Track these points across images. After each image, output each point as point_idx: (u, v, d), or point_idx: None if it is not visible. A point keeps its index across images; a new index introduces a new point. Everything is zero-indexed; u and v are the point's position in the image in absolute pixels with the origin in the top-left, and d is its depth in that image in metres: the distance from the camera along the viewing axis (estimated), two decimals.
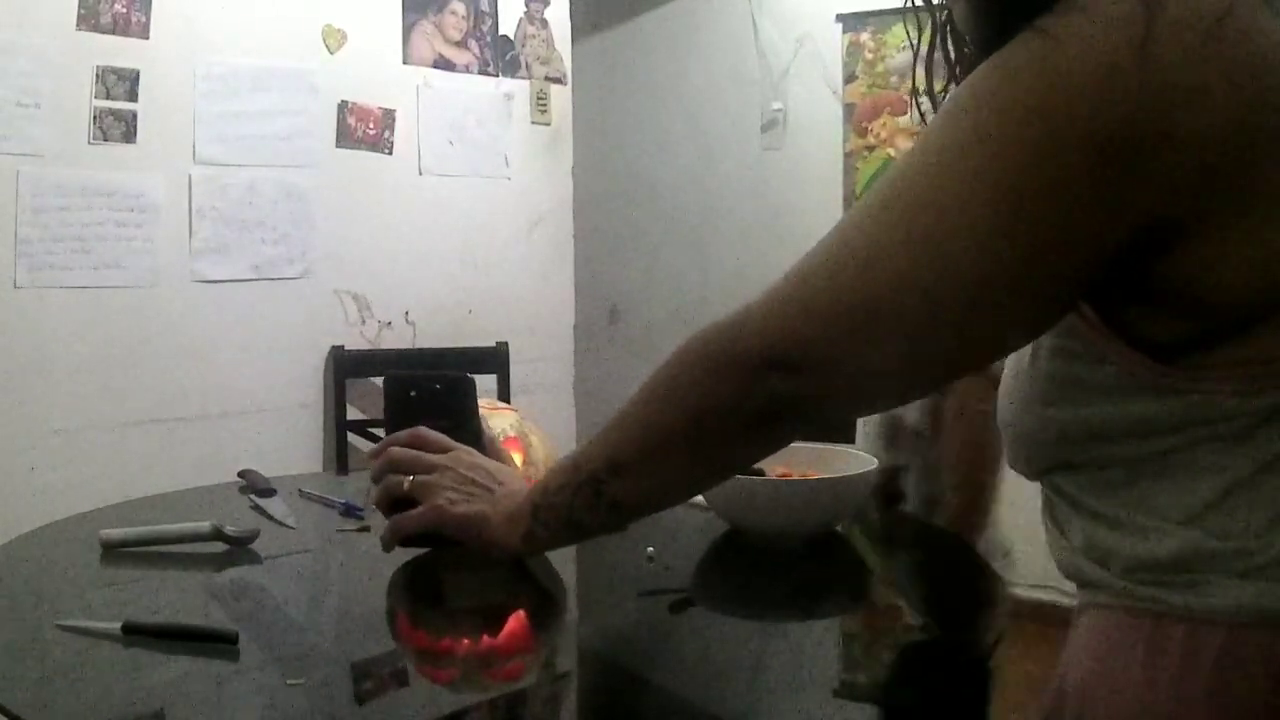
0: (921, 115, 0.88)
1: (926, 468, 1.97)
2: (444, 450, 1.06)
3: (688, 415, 0.82)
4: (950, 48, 0.85)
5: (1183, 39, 0.64)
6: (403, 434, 1.07)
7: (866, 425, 1.97)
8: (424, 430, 1.07)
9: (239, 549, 1.62)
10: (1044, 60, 0.66)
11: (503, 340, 3.26)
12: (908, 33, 0.89)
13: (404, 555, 1.60)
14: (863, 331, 0.72)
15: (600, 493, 0.89)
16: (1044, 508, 0.85)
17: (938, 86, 0.88)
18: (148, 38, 2.68)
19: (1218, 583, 0.71)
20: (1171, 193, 0.65)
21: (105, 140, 2.63)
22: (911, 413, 2.01)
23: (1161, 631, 0.74)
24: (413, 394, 1.12)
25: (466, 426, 1.09)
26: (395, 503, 1.04)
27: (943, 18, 0.86)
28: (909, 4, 0.85)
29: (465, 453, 1.06)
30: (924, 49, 0.88)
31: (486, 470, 1.03)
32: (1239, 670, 0.71)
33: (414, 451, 1.05)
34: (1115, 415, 0.73)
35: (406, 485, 1.03)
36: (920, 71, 0.87)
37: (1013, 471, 0.87)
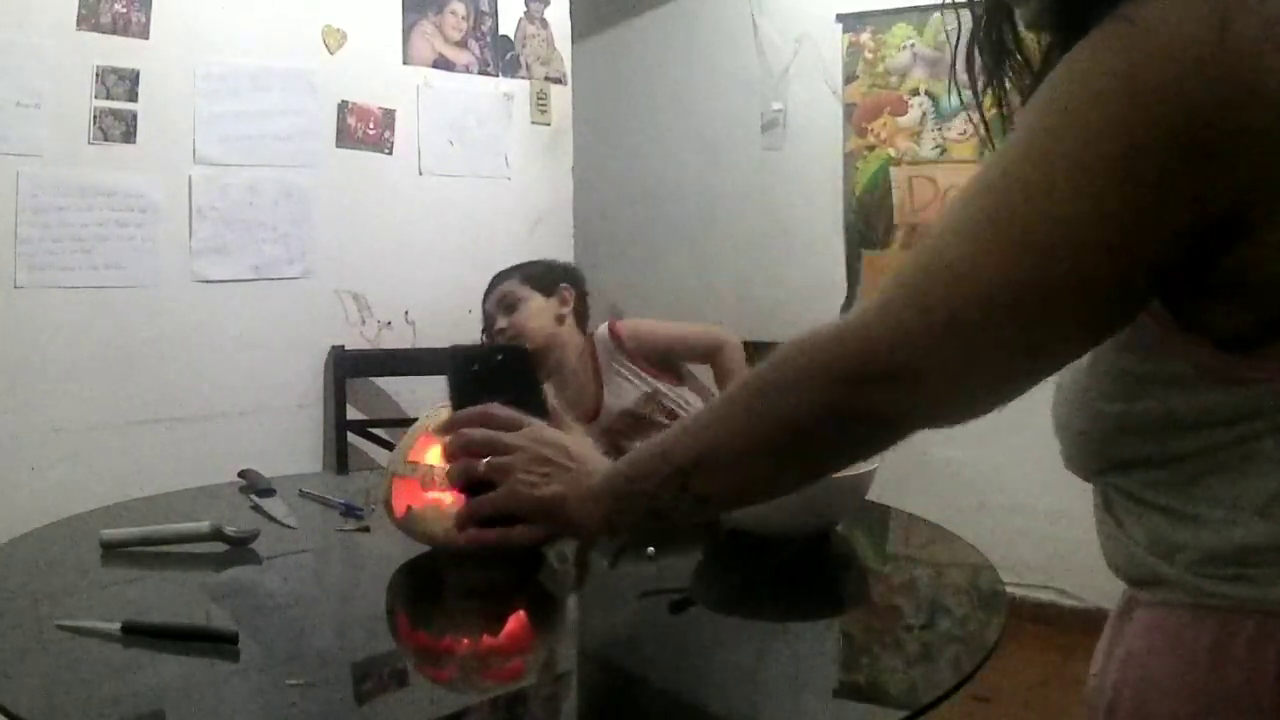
0: (978, 122, 0.90)
1: None
2: (516, 428, 1.01)
3: (783, 423, 0.81)
4: (992, 41, 0.87)
5: (1258, 32, 0.64)
6: (474, 412, 1.02)
7: None
8: (495, 408, 1.02)
9: (239, 549, 1.62)
10: (1131, 50, 0.66)
11: None
12: (945, 32, 0.89)
13: (404, 555, 1.60)
14: (959, 341, 0.72)
15: (687, 486, 0.87)
16: (1101, 507, 0.84)
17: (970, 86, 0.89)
18: (148, 38, 2.68)
19: None
20: (1247, 182, 0.66)
21: (105, 140, 2.63)
22: None
23: (1229, 626, 0.73)
24: (475, 368, 1.07)
25: (533, 399, 1.05)
26: (470, 485, 1.01)
27: (980, 13, 0.88)
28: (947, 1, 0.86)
29: (538, 429, 1.01)
30: (963, 45, 0.88)
31: (562, 447, 0.99)
32: None
33: (489, 431, 1.01)
34: (1182, 408, 0.73)
35: (483, 467, 0.99)
36: (961, 65, 0.88)
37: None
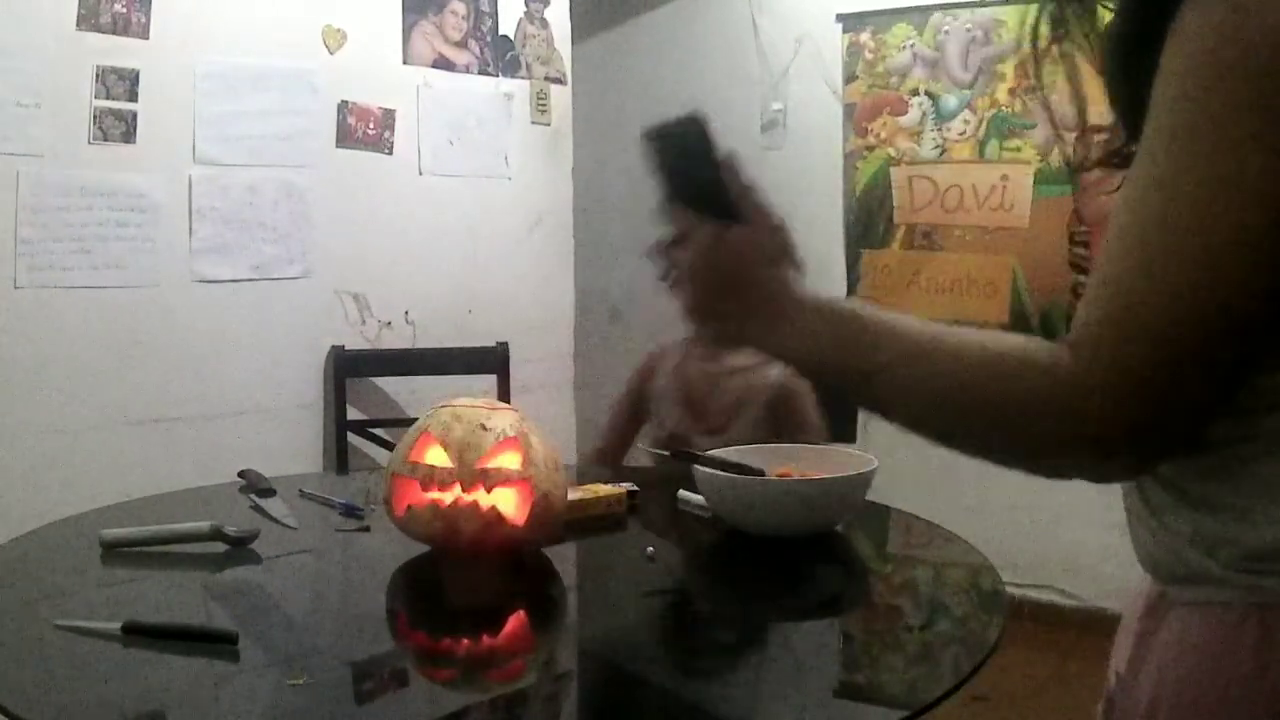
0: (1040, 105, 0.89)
1: None
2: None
3: (980, 428, 0.81)
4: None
5: None
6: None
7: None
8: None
9: (239, 549, 1.62)
10: (1236, 30, 0.65)
11: (503, 340, 3.26)
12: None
13: (404, 555, 1.60)
14: (1182, 380, 0.67)
15: (867, 391, 0.85)
16: (1136, 499, 0.82)
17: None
18: (148, 38, 2.68)
19: None
20: None
21: (105, 140, 2.63)
22: None
23: (1272, 623, 0.71)
24: (670, 142, 1.00)
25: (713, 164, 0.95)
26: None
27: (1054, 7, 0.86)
28: None
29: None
30: (1042, 43, 0.87)
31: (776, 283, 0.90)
32: None
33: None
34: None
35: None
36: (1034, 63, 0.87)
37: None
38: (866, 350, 0.83)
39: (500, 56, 3.40)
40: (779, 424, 1.99)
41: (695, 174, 0.94)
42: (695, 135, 0.97)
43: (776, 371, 1.91)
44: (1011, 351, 0.78)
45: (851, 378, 0.85)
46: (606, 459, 2.16)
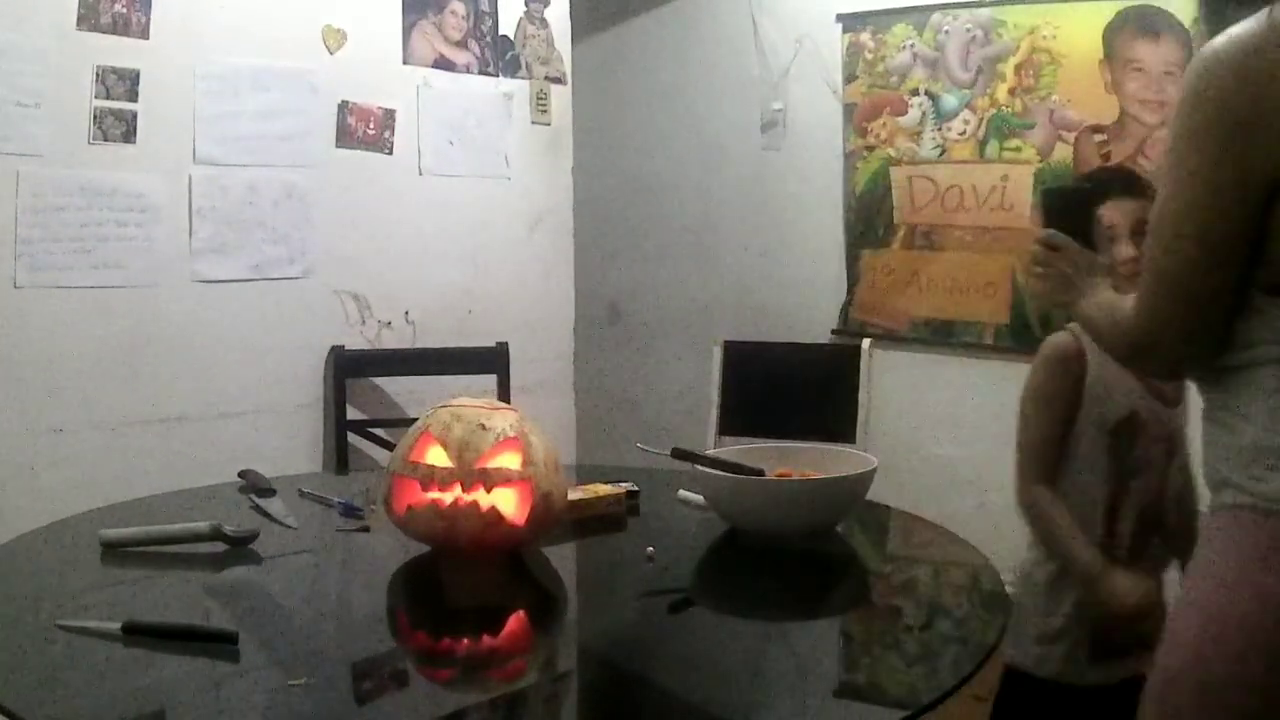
0: None
1: None
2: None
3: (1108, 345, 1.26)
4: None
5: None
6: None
7: None
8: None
9: (239, 549, 1.62)
10: (1189, 106, 1.05)
11: (503, 340, 3.26)
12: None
13: (404, 555, 1.60)
14: (1174, 314, 1.08)
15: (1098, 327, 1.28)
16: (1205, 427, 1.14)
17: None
18: (148, 38, 2.68)
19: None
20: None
21: (105, 140, 2.63)
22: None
23: (1274, 528, 0.98)
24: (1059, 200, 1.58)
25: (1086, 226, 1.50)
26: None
27: None
28: None
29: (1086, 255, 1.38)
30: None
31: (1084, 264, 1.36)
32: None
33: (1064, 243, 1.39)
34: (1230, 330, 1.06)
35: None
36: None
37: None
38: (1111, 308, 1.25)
39: (500, 56, 3.40)
40: None
41: (1071, 216, 1.47)
42: (1077, 194, 1.71)
43: None
44: (1123, 307, 1.19)
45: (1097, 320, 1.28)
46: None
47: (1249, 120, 1.00)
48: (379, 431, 3.06)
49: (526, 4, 3.46)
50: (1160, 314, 1.09)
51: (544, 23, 3.51)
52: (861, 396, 2.92)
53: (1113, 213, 1.69)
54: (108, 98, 2.62)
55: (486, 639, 1.38)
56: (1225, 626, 0.98)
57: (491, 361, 3.20)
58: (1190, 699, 0.99)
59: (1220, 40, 1.03)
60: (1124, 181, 1.76)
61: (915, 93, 3.49)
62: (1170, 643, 1.05)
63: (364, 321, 3.14)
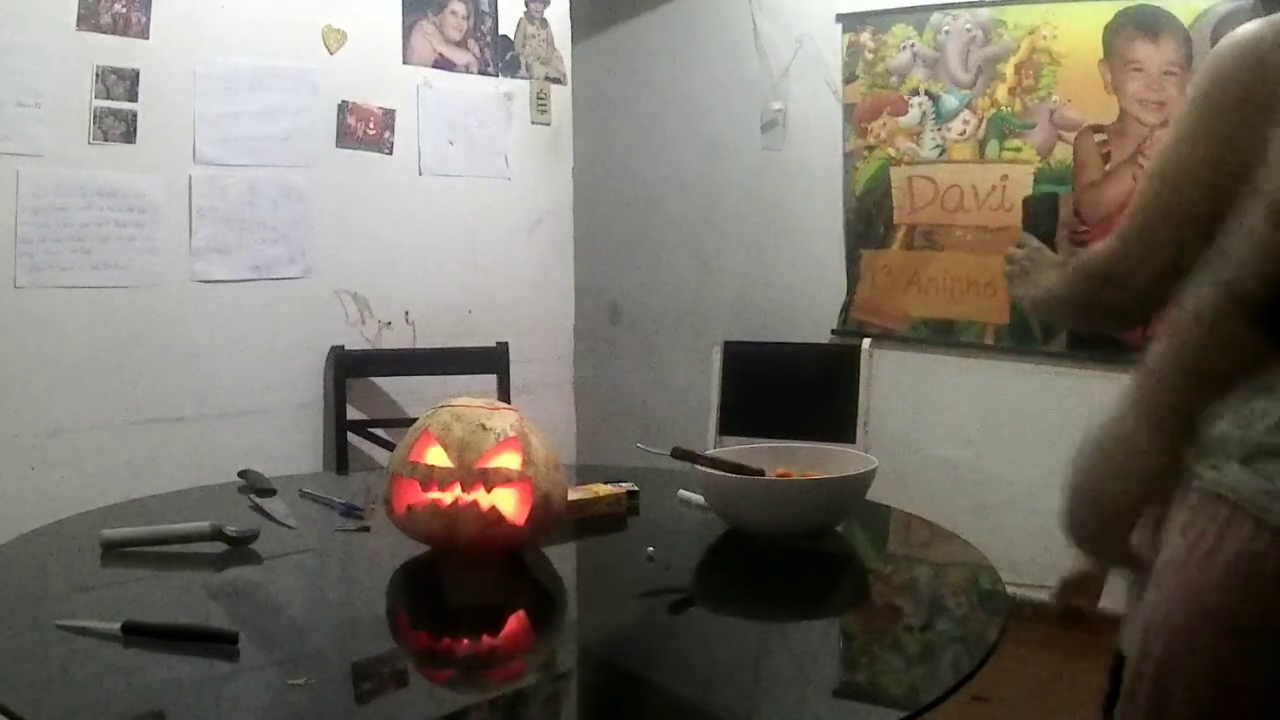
0: None
1: None
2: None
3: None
4: None
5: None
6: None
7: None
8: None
9: (239, 549, 1.62)
10: (1194, 88, 1.11)
11: (503, 340, 3.26)
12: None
13: (404, 555, 1.60)
14: (1144, 250, 1.15)
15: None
16: None
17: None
18: (148, 38, 2.68)
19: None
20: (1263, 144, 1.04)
21: (105, 140, 2.63)
22: None
23: (1229, 513, 1.02)
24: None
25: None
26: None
27: None
28: None
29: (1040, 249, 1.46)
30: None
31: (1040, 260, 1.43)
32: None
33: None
34: None
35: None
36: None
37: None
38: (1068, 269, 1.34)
39: (500, 56, 3.40)
40: None
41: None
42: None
43: None
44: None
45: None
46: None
47: (1240, 102, 1.06)
48: (379, 431, 3.06)
49: (526, 4, 3.46)
50: (1132, 243, 1.17)
51: (544, 23, 3.51)
52: (861, 396, 2.92)
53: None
54: (108, 98, 2.62)
55: (486, 639, 1.38)
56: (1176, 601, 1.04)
57: (491, 361, 3.20)
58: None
59: (1249, 26, 1.09)
60: None
61: (915, 93, 3.49)
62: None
63: (364, 321, 3.14)
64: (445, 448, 1.54)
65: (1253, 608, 0.98)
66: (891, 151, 3.56)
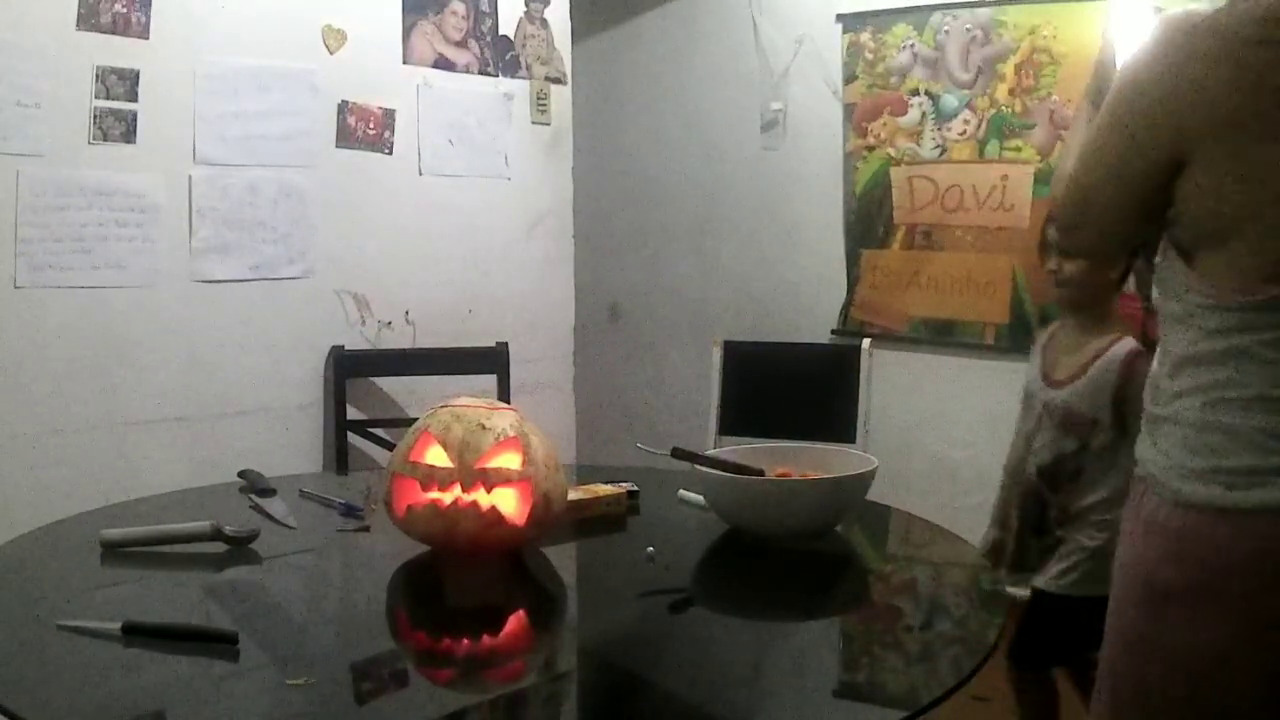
0: None
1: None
2: None
3: None
4: None
5: (1206, 52, 1.09)
6: None
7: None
8: None
9: (239, 549, 1.62)
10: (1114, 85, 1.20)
11: (503, 340, 3.26)
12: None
13: (404, 555, 1.60)
14: (1088, 209, 1.22)
15: None
16: None
17: None
18: (148, 38, 2.68)
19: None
20: (1183, 141, 1.10)
21: (105, 140, 2.63)
22: (1083, 402, 2.05)
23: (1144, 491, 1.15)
24: None
25: None
26: None
27: None
28: None
29: None
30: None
31: None
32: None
33: None
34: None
35: None
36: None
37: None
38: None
39: (500, 56, 3.40)
40: (1125, 388, 1.99)
41: None
42: None
43: (1129, 345, 2.04)
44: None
45: None
46: None
47: (1168, 94, 1.10)
48: (379, 431, 3.06)
49: (526, 4, 3.46)
50: (1080, 200, 1.23)
51: (544, 23, 3.51)
52: (861, 396, 2.92)
53: (1050, 230, 2.05)
54: (108, 98, 2.62)
55: (486, 639, 1.38)
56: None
57: (491, 361, 3.20)
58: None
59: (1183, 12, 1.13)
60: None
61: (915, 93, 3.49)
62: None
63: (364, 321, 3.14)
64: (445, 447, 1.54)
65: (1155, 573, 1.09)
66: (891, 151, 3.56)
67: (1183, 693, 1.07)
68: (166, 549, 1.61)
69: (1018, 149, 3.30)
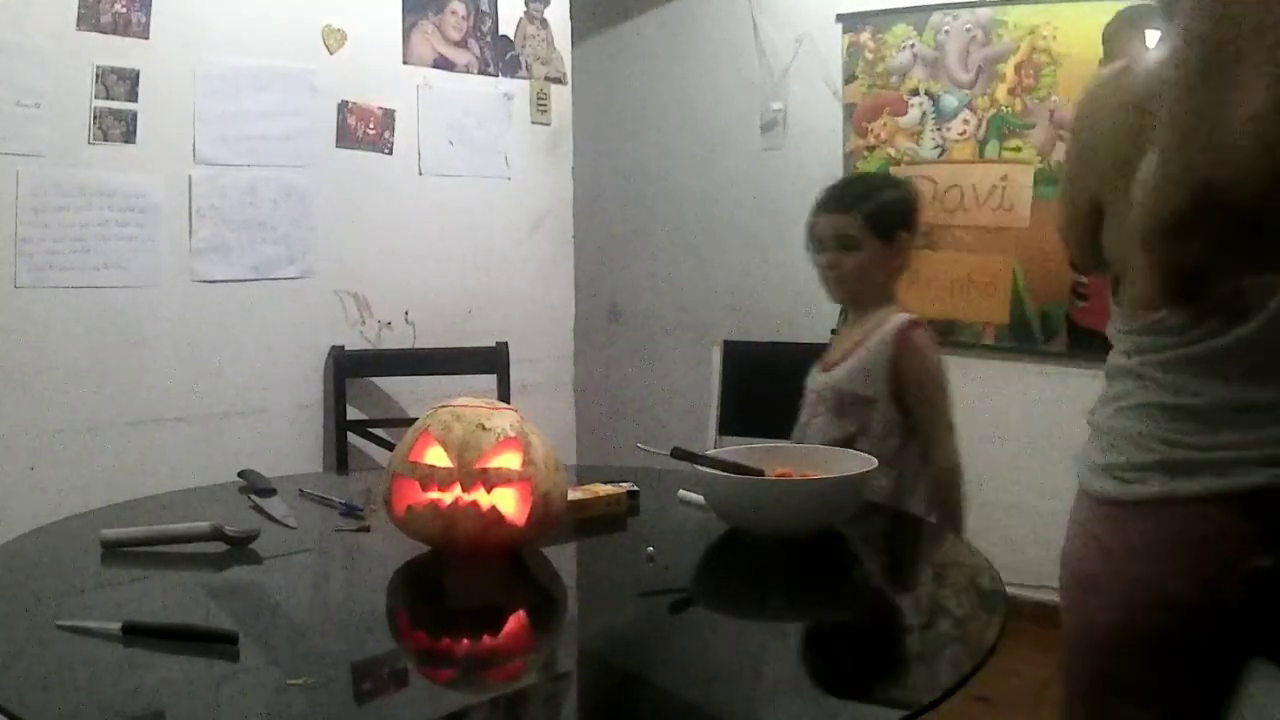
0: None
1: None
2: None
3: None
4: None
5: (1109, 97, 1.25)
6: None
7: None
8: None
9: (239, 549, 1.62)
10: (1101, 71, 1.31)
11: (503, 340, 3.26)
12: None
13: (404, 555, 1.60)
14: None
15: None
16: None
17: None
18: (148, 38, 2.68)
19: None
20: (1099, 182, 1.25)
21: (105, 140, 2.63)
22: (855, 380, 2.03)
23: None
24: None
25: None
26: None
27: None
28: None
29: None
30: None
31: None
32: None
33: None
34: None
35: None
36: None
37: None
38: None
39: (500, 56, 3.40)
40: (899, 361, 1.97)
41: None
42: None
43: (902, 318, 2.02)
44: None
45: None
46: None
47: (1088, 145, 1.26)
48: (379, 431, 3.06)
49: (526, 4, 3.46)
50: (1060, 221, 1.39)
51: (544, 23, 3.51)
52: None
53: (822, 224, 2.11)
54: (108, 98, 2.62)
55: (486, 639, 1.38)
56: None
57: (491, 361, 3.20)
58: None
59: (1111, 67, 1.27)
60: (831, 197, 2.13)
61: (915, 93, 3.49)
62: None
63: (364, 321, 3.14)
64: (445, 447, 1.54)
65: (1088, 570, 1.24)
66: (891, 151, 3.56)
67: (1089, 670, 1.30)
68: (166, 549, 1.61)
69: (1018, 149, 3.30)
